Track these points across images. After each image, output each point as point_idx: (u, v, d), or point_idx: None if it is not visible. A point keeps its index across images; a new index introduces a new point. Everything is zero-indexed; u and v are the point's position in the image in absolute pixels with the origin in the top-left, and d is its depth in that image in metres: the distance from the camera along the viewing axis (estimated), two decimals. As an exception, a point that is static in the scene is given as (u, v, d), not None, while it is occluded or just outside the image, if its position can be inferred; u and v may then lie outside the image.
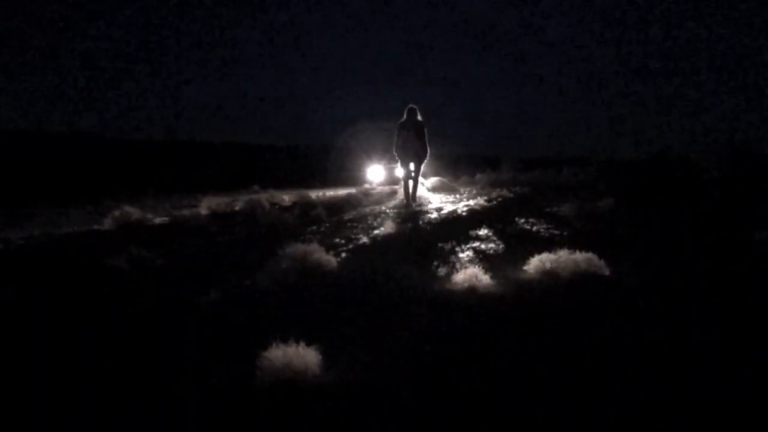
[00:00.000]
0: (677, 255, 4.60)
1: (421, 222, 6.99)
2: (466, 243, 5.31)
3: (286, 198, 11.10)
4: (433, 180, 13.70)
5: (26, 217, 8.28)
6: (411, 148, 8.87)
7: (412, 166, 9.09)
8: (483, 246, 5.16)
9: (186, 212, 8.59)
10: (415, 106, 8.79)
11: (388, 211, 8.51)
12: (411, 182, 9.27)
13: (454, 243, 5.28)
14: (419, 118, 8.84)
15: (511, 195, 11.40)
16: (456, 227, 6.37)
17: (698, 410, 1.98)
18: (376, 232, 6.33)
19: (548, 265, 3.90)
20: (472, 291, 3.55)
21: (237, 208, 9.23)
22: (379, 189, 13.29)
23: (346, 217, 7.97)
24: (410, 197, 9.29)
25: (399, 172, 10.30)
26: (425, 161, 9.18)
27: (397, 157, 9.22)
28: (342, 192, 12.61)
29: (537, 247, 4.31)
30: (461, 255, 4.75)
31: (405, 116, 8.81)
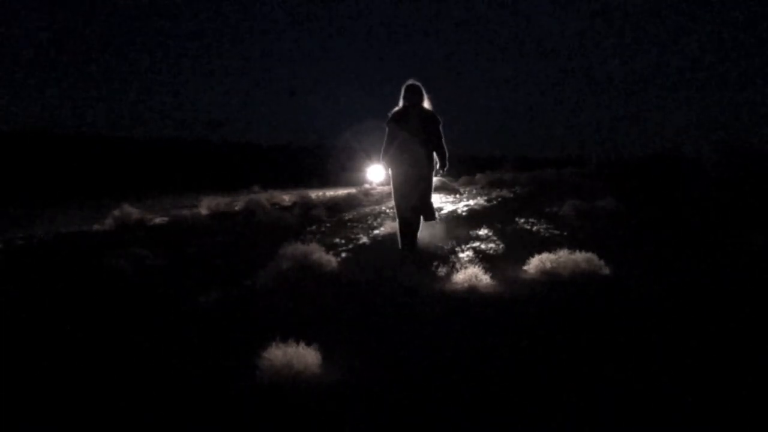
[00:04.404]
0: (677, 255, 4.60)
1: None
2: (466, 243, 5.31)
3: (286, 198, 11.11)
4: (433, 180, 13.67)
5: (27, 216, 8.30)
6: (411, 157, 4.72)
7: (412, 188, 4.76)
8: (483, 246, 5.16)
9: (186, 212, 8.59)
10: (418, 84, 4.85)
11: (388, 211, 8.50)
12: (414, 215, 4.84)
13: (454, 243, 5.29)
14: (426, 104, 4.86)
15: (511, 195, 11.38)
16: (456, 227, 6.37)
17: (697, 409, 1.98)
18: (376, 232, 6.34)
19: (548, 265, 3.91)
20: (472, 290, 3.55)
21: (237, 208, 9.23)
22: (379, 189, 13.30)
23: (346, 217, 7.98)
24: (411, 240, 4.86)
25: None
26: (439, 175, 5.15)
27: (388, 170, 4.98)
28: (342, 192, 12.60)
29: (537, 247, 4.31)
30: (461, 255, 4.75)
31: (402, 101, 4.84)
